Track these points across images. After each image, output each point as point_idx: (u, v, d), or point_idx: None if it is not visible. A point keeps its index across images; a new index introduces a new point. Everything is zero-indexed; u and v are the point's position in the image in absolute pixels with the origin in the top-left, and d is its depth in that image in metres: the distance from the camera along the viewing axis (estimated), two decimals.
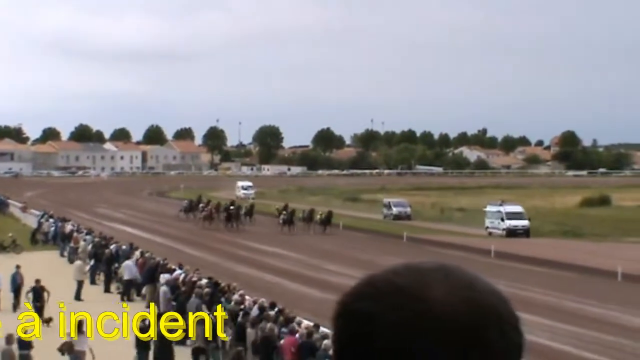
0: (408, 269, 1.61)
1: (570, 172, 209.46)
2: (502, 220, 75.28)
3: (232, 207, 79.29)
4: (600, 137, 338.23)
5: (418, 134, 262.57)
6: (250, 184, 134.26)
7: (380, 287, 1.59)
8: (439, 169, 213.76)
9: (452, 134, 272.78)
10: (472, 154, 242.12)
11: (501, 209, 76.89)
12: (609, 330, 36.78)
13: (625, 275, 49.38)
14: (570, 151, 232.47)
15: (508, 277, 50.29)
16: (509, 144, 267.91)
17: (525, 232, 73.81)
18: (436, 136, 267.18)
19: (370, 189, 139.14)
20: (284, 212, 76.55)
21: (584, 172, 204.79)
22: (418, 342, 1.51)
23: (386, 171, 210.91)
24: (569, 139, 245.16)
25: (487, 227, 76.70)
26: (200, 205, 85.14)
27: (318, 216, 74.49)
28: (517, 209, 78.11)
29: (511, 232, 73.65)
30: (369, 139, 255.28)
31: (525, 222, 74.89)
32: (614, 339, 35.33)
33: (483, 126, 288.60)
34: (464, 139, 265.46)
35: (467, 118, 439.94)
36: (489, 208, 79.35)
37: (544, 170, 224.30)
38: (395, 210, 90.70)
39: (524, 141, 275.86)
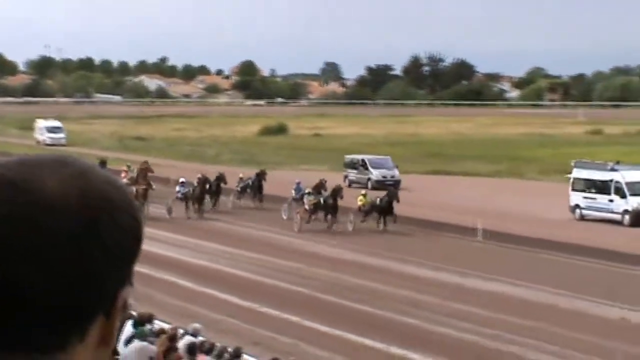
0: (22, 163, 1.57)
1: (250, 102, 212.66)
2: (622, 196, 46.63)
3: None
4: (278, 67, 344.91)
5: (97, 62, 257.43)
6: (59, 124, 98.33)
7: None
8: (119, 98, 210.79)
9: (132, 62, 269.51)
10: (152, 82, 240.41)
11: (617, 177, 47.35)
12: (287, 256, 38.14)
13: None
14: (249, 80, 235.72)
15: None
16: (189, 73, 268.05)
17: None
18: (115, 64, 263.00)
19: (47, 117, 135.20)
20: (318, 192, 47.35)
21: (263, 102, 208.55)
22: (30, 234, 1.50)
23: (63, 99, 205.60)
24: (247, 69, 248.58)
25: (577, 207, 48.68)
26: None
27: (359, 200, 47.15)
28: None
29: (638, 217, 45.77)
30: (44, 66, 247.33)
31: None
32: (295, 264, 36.64)
33: (163, 54, 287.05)
34: (143, 68, 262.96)
35: (146, 46, 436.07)
36: (577, 173, 49.69)
37: (223, 99, 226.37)
38: (375, 173, 62.83)
39: (204, 70, 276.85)
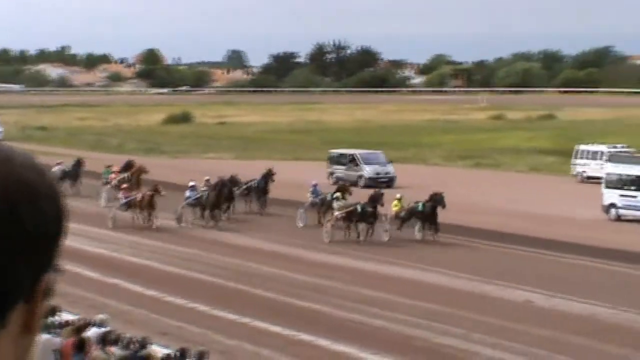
0: None
1: (154, 90, 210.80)
2: None
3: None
4: (182, 55, 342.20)
5: None
6: None
7: None
8: (19, 87, 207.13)
9: (32, 51, 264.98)
10: (53, 71, 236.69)
11: None
12: (192, 244, 37.95)
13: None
14: (153, 69, 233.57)
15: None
16: (92, 62, 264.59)
17: None
18: (15, 53, 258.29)
19: None
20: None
21: (167, 90, 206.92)
22: None
23: None
24: (151, 57, 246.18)
25: (613, 206, 44.03)
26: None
27: (393, 206, 40.75)
28: None
29: None
30: None
31: None
32: (192, 251, 36.53)
33: (65, 43, 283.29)
34: (44, 56, 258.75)
35: (48, 34, 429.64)
36: (612, 168, 45.26)
37: (127, 88, 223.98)
38: (368, 170, 57.24)
39: (106, 59, 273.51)
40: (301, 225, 42.23)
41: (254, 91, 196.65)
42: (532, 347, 23.98)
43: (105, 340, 17.23)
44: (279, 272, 32.94)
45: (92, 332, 17.76)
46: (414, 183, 53.18)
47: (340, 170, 57.92)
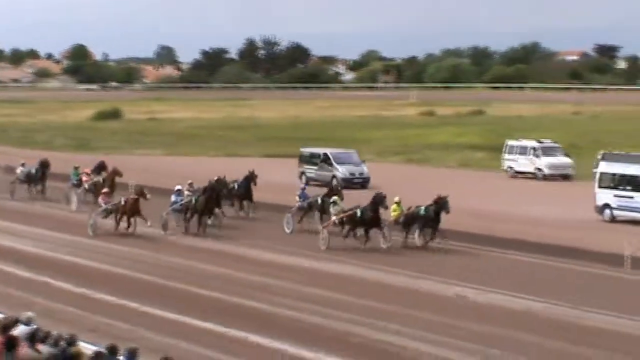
0: None
1: (83, 86, 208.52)
2: None
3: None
4: (111, 50, 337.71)
5: None
6: None
7: None
8: None
9: None
10: None
11: None
12: (127, 243, 37.60)
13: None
14: (82, 65, 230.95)
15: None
16: (18, 57, 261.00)
17: None
18: None
19: None
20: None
21: (96, 86, 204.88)
22: None
23: None
24: (79, 53, 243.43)
25: (607, 207, 42.42)
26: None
27: (392, 211, 37.31)
28: None
29: None
30: None
31: None
32: (140, 251, 36.12)
33: None
34: None
35: None
36: (606, 167, 43.06)
37: (55, 84, 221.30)
38: (342, 170, 55.51)
39: (33, 54, 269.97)
40: (288, 230, 40.07)
41: (185, 87, 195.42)
42: (473, 344, 23.80)
43: (34, 338, 16.67)
44: (220, 269, 32.44)
45: (19, 331, 17.19)
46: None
47: (311, 171, 55.84)
